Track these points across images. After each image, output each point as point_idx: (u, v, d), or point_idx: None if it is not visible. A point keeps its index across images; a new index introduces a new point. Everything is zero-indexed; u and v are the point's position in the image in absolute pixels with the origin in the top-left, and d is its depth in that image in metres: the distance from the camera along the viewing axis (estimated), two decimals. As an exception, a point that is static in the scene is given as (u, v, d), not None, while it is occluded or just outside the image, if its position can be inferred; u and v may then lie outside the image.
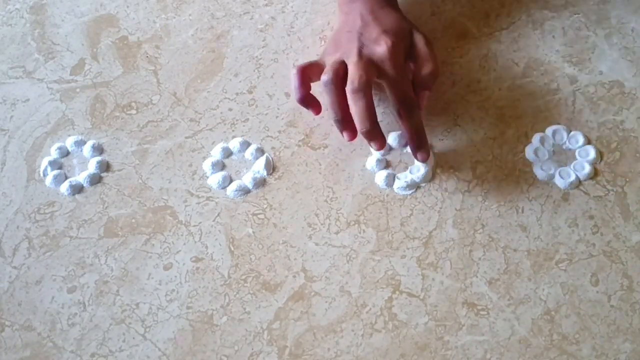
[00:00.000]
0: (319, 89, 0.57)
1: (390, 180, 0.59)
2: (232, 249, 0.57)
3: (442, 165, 0.59)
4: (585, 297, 0.53)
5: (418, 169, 0.59)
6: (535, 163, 0.59)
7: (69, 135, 0.63)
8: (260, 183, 0.59)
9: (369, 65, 0.55)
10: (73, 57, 0.68)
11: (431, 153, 0.59)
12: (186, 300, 0.54)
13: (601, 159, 0.59)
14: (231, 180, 0.60)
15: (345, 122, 0.56)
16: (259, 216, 0.58)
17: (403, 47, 0.58)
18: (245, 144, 0.61)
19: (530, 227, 0.56)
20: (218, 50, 0.67)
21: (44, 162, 0.61)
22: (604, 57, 0.64)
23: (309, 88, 0.58)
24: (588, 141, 0.60)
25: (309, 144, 0.61)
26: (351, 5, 0.60)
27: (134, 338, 0.53)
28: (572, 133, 0.60)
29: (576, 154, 0.59)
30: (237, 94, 0.64)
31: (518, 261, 0.55)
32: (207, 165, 0.60)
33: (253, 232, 0.57)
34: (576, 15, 0.67)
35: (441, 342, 0.52)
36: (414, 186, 0.58)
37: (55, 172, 0.61)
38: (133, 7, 0.71)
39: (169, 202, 0.59)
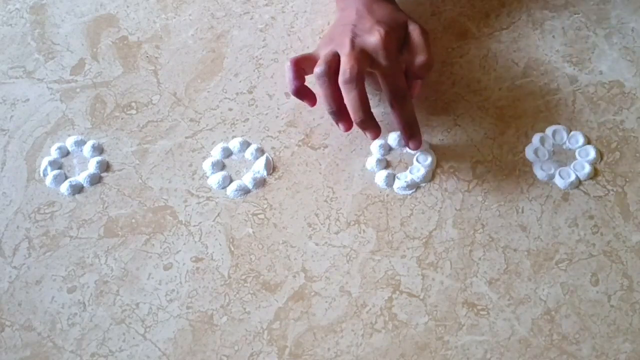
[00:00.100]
0: (314, 81, 0.57)
1: (390, 180, 0.59)
2: (232, 249, 0.57)
3: (442, 165, 0.59)
4: (585, 297, 0.53)
5: (418, 169, 0.59)
6: (535, 163, 0.59)
7: (69, 135, 0.63)
8: (260, 183, 0.59)
9: (362, 55, 0.55)
10: (73, 57, 0.68)
11: (431, 153, 0.59)
12: (186, 300, 0.54)
13: (601, 159, 0.59)
14: (231, 180, 0.60)
15: (340, 114, 0.57)
16: (259, 216, 0.58)
17: (397, 38, 0.58)
18: (245, 144, 0.61)
19: (530, 227, 0.56)
20: (218, 50, 0.67)
21: (44, 162, 0.61)
22: (604, 57, 0.64)
23: (303, 80, 0.59)
24: (588, 141, 0.60)
25: (309, 144, 0.61)
26: (347, 1, 0.61)
27: (134, 338, 0.53)
28: (572, 133, 0.60)
29: (576, 154, 0.59)
30: (237, 94, 0.64)
31: (518, 261, 0.55)
32: (207, 165, 0.60)
33: (253, 232, 0.57)
34: (576, 15, 0.67)
35: (441, 342, 0.52)
36: (414, 186, 0.58)
37: (55, 172, 0.61)
38: (133, 7, 0.71)
39: (169, 202, 0.59)
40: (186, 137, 0.62)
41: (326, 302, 0.54)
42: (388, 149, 0.60)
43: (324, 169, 0.60)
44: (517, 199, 0.57)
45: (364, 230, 0.57)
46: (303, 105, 0.61)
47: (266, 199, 0.59)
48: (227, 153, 0.61)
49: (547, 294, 0.53)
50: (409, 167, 0.59)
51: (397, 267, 0.55)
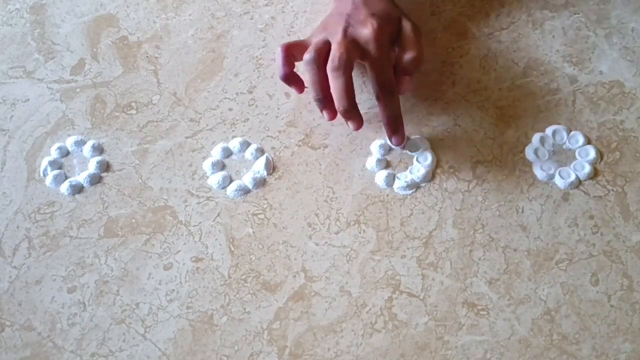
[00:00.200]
0: (303, 68, 0.57)
1: (390, 180, 0.59)
2: (232, 249, 0.57)
3: (442, 165, 0.59)
4: (585, 297, 0.53)
5: (418, 169, 0.59)
6: (535, 163, 0.59)
7: (69, 135, 0.63)
8: (260, 183, 0.59)
9: (353, 45, 0.56)
10: (73, 57, 0.68)
11: (431, 153, 0.59)
12: (186, 300, 0.54)
13: (601, 159, 0.59)
14: (231, 180, 0.60)
15: (325, 101, 0.57)
16: (259, 216, 0.58)
17: (389, 32, 0.58)
18: (245, 144, 0.61)
19: (530, 227, 0.56)
20: (218, 50, 0.67)
21: (44, 162, 0.61)
22: (604, 57, 0.64)
23: (293, 66, 0.59)
24: (588, 141, 0.60)
25: (309, 144, 0.61)
26: None
27: (134, 338, 0.53)
28: (572, 133, 0.60)
29: (576, 154, 0.59)
30: (237, 94, 0.64)
31: (518, 261, 0.55)
32: (207, 165, 0.60)
33: (253, 232, 0.57)
34: (576, 15, 0.67)
35: (441, 342, 0.52)
36: (414, 186, 0.58)
37: (55, 172, 0.61)
38: (133, 7, 0.71)
39: (169, 202, 0.59)
40: (186, 137, 0.62)
41: (326, 302, 0.54)
42: (388, 149, 0.60)
43: (324, 169, 0.60)
44: (517, 199, 0.57)
45: (364, 230, 0.57)
46: (303, 105, 0.61)
47: (266, 199, 0.59)
48: (227, 153, 0.61)
49: (547, 294, 0.53)
50: (409, 167, 0.59)
51: (397, 267, 0.55)
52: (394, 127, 0.58)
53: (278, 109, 0.63)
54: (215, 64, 0.66)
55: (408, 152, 0.60)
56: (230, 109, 0.64)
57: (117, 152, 0.62)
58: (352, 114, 0.57)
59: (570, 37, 0.66)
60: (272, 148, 0.61)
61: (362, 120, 0.58)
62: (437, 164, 0.59)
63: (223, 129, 0.63)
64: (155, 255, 0.57)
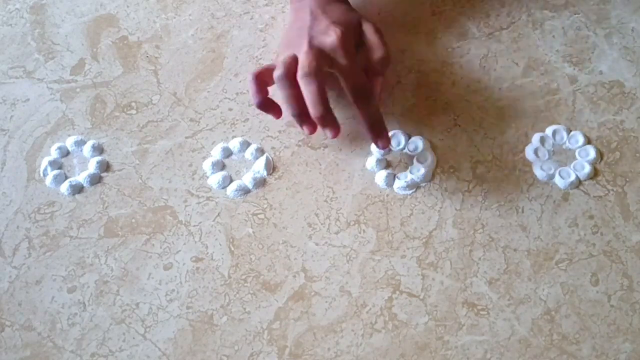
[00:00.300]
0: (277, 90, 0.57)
1: (390, 180, 0.59)
2: (232, 249, 0.57)
3: (442, 165, 0.59)
4: (585, 297, 0.53)
5: (418, 169, 0.59)
6: (535, 163, 0.59)
7: (69, 135, 0.63)
8: (260, 183, 0.59)
9: (320, 54, 0.55)
10: (73, 57, 0.68)
11: (431, 153, 0.59)
12: (186, 300, 0.54)
13: (601, 159, 0.59)
14: (231, 180, 0.60)
15: (303, 116, 0.56)
16: (259, 216, 0.58)
17: (353, 37, 0.58)
18: (245, 144, 0.61)
19: (530, 227, 0.56)
20: (218, 50, 0.67)
21: (44, 162, 0.61)
22: (604, 57, 0.64)
23: (267, 93, 0.59)
24: (588, 141, 0.60)
25: (309, 144, 0.61)
26: (302, 2, 0.61)
27: (134, 338, 0.53)
28: (572, 133, 0.60)
29: (576, 153, 0.59)
30: (237, 94, 0.64)
31: (518, 261, 0.55)
32: (207, 165, 0.60)
33: (253, 232, 0.57)
34: (576, 15, 0.67)
35: (441, 342, 0.52)
36: (414, 186, 0.58)
37: (55, 172, 0.61)
38: (133, 7, 0.71)
39: (169, 202, 0.59)
40: (186, 137, 0.62)
41: (326, 302, 0.54)
42: (388, 149, 0.60)
43: (324, 169, 0.60)
44: (517, 199, 0.57)
45: (364, 230, 0.57)
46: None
47: (266, 199, 0.59)
48: (227, 153, 0.61)
49: (547, 294, 0.53)
50: (409, 167, 0.59)
51: (397, 267, 0.55)
52: (377, 131, 0.57)
53: (278, 109, 0.63)
54: (215, 64, 0.66)
55: (408, 152, 0.60)
56: (230, 109, 0.64)
57: (117, 152, 0.62)
58: (329, 119, 0.55)
59: (570, 37, 0.66)
60: (272, 148, 0.61)
61: (339, 127, 0.56)
62: (437, 164, 0.59)
63: (223, 129, 0.63)
64: (155, 255, 0.57)
